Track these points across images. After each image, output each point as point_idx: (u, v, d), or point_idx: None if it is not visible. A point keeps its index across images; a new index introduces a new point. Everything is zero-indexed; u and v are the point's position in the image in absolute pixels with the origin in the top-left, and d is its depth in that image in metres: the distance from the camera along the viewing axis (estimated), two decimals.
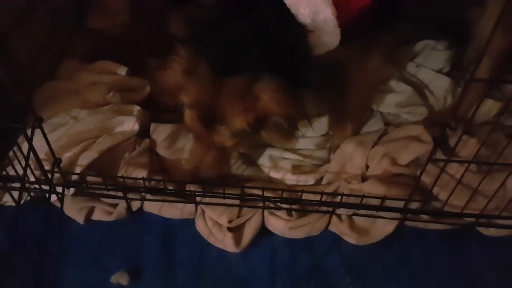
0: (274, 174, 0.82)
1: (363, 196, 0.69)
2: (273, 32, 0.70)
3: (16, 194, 0.74)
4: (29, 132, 0.62)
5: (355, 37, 0.76)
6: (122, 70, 0.92)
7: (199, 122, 0.68)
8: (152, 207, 0.78)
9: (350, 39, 0.75)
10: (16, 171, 0.68)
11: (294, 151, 0.85)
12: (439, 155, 0.79)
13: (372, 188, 0.74)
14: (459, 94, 0.94)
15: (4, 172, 0.74)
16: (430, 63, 0.98)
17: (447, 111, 0.93)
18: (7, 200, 0.78)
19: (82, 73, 0.90)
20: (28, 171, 0.67)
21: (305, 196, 0.72)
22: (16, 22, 0.85)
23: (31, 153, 0.62)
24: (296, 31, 0.70)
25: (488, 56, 0.85)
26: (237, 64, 0.67)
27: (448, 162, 0.65)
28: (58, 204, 0.75)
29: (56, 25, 0.99)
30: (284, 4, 0.69)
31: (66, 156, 0.74)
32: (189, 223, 0.79)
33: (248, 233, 0.75)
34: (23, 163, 0.67)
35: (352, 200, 0.72)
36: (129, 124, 0.82)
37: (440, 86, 0.95)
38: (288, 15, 0.69)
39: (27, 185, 0.69)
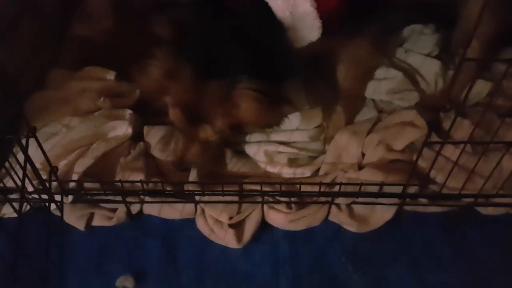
0: (270, 169, 0.82)
1: (361, 184, 0.70)
2: (252, 28, 0.70)
3: (15, 205, 0.75)
4: (23, 142, 0.61)
5: (341, 26, 0.77)
6: (111, 75, 0.91)
7: (183, 120, 0.69)
8: (151, 209, 0.78)
9: (335, 28, 0.76)
10: (14, 182, 0.67)
11: (289, 144, 0.85)
12: (434, 138, 0.79)
13: (370, 175, 0.74)
14: (451, 76, 0.95)
15: (0, 183, 0.74)
16: (419, 48, 0.98)
17: (439, 94, 0.94)
18: (6, 212, 0.78)
19: (70, 81, 0.90)
20: (26, 181, 0.67)
21: (304, 188, 0.73)
22: (1, 33, 0.85)
23: (28, 163, 0.62)
24: (275, 26, 0.70)
25: (477, 39, 0.85)
26: (219, 65, 0.68)
27: (444, 144, 0.65)
28: (57, 213, 0.75)
29: (41, 34, 0.99)
30: None
31: (62, 164, 0.73)
32: (190, 223, 0.79)
33: (249, 229, 0.75)
34: (19, 173, 0.68)
35: (350, 189, 0.72)
36: (122, 129, 0.82)
37: (430, 70, 0.95)
38: (266, 10, 0.69)
39: (26, 195, 0.69)
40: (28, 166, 0.64)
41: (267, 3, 0.69)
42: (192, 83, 0.68)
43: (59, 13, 1.08)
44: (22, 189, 0.58)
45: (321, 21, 0.71)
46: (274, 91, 0.72)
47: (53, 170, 0.67)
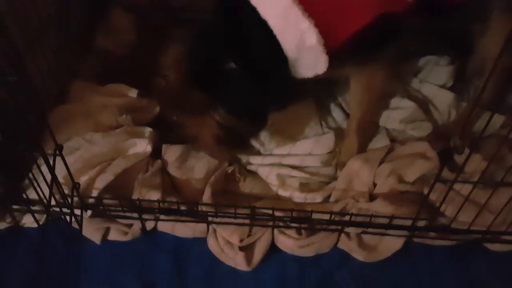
0: (282, 193, 0.84)
1: (371, 216, 0.71)
2: (256, 57, 0.72)
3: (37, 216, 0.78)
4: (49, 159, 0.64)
5: (357, 53, 0.78)
6: (133, 93, 0.94)
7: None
8: (165, 226, 0.81)
9: (351, 55, 0.78)
10: (38, 194, 0.70)
11: (301, 169, 0.87)
12: (445, 172, 0.80)
13: (380, 207, 0.76)
14: (463, 107, 0.96)
15: (22, 193, 0.77)
16: (433, 78, 1.00)
17: (451, 125, 0.95)
18: (26, 221, 0.81)
19: (93, 96, 0.93)
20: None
21: (314, 215, 0.74)
22: (28, 45, 0.88)
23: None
24: (280, 58, 0.71)
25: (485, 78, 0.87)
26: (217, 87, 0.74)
27: (455, 182, 0.66)
28: (75, 225, 0.78)
29: (66, 46, 1.02)
30: (270, 31, 0.70)
31: (83, 180, 0.76)
32: (201, 241, 0.81)
33: (259, 252, 0.77)
34: (42, 184, 0.71)
35: (360, 218, 0.74)
36: (142, 146, 0.85)
37: (443, 101, 0.97)
38: (273, 42, 0.70)
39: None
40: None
41: (275, 36, 0.70)
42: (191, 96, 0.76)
43: (84, 26, 1.12)
44: (48, 205, 0.61)
45: (328, 55, 0.70)
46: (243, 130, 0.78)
47: (75, 186, 0.70)
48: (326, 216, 0.74)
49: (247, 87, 0.75)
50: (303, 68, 0.73)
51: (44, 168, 0.69)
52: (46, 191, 0.70)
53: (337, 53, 0.73)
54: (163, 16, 1.21)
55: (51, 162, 0.64)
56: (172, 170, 0.85)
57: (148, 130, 0.88)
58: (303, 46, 0.70)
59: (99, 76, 1.04)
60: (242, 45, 0.72)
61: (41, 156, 0.64)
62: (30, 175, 0.72)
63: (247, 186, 0.87)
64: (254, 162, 0.90)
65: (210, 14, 0.81)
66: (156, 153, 0.88)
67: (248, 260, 0.76)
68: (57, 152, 0.62)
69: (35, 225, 0.80)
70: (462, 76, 1.01)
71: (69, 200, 0.71)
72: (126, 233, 0.80)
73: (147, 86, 0.96)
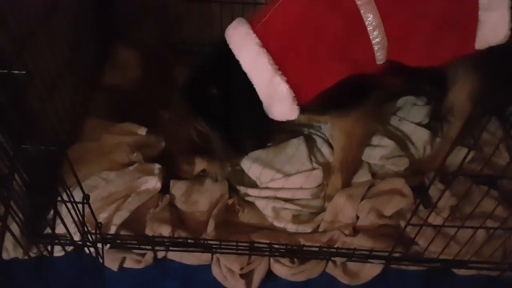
0: (277, 224, 0.96)
1: (354, 249, 0.83)
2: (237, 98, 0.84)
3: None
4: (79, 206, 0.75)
5: (336, 102, 0.87)
6: (143, 131, 1.04)
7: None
8: (174, 255, 0.92)
9: (331, 104, 0.87)
10: (67, 229, 0.80)
11: (293, 201, 0.99)
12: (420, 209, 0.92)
13: (362, 241, 0.88)
14: (437, 147, 1.08)
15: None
16: (411, 117, 1.12)
17: (426, 161, 1.07)
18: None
19: (106, 135, 1.03)
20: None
21: (306, 247, 0.86)
22: (48, 88, 0.96)
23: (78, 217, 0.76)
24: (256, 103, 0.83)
25: (458, 120, 1.00)
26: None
27: (423, 226, 0.79)
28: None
29: (77, 86, 1.11)
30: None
31: (102, 217, 0.87)
32: (206, 268, 0.92)
33: (257, 278, 0.88)
34: (65, 218, 0.81)
35: (345, 249, 0.86)
36: (152, 183, 0.96)
37: (420, 138, 1.09)
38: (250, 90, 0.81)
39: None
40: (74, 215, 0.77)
41: (252, 85, 0.81)
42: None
43: (92, 65, 1.20)
44: (83, 245, 0.71)
45: (299, 104, 0.80)
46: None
47: (97, 225, 0.80)
48: (316, 247, 0.86)
49: (225, 111, 0.86)
50: (276, 113, 0.84)
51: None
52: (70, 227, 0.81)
53: (317, 102, 0.83)
54: (166, 50, 1.31)
55: (80, 209, 0.74)
56: (179, 204, 0.97)
57: (157, 167, 0.99)
58: (275, 96, 0.80)
59: (109, 111, 1.14)
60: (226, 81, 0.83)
61: (71, 206, 0.74)
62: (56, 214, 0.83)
63: (245, 217, 0.98)
64: (252, 194, 1.01)
65: (206, 46, 0.92)
66: (164, 188, 0.99)
67: (248, 285, 0.87)
68: (85, 201, 0.73)
69: (62, 253, 0.90)
70: (437, 114, 1.13)
71: (93, 237, 0.81)
72: (140, 262, 0.91)
73: (153, 118, 1.08)
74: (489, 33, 0.76)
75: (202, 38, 1.20)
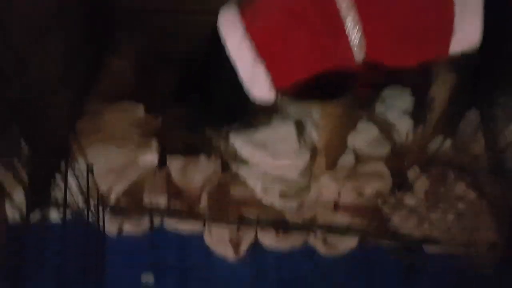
0: (265, 200, 1.04)
1: (333, 225, 0.92)
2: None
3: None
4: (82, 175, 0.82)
5: (318, 90, 0.93)
6: (140, 108, 1.11)
7: None
8: (170, 224, 1.00)
9: (313, 91, 0.94)
10: (72, 197, 0.87)
11: (281, 179, 1.06)
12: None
13: (341, 218, 0.96)
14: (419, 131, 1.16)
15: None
16: (396, 105, 1.18)
17: (407, 146, 1.15)
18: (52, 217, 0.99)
19: (107, 112, 1.09)
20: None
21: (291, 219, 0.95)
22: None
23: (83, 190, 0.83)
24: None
25: (435, 112, 1.07)
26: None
27: (397, 209, 0.87)
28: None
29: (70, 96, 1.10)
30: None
31: (103, 187, 0.94)
32: (199, 235, 1.00)
33: (245, 244, 0.97)
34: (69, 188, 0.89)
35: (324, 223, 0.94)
36: (150, 157, 1.03)
37: (403, 125, 1.15)
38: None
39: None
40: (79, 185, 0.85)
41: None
42: None
43: (88, 77, 1.20)
44: (87, 217, 0.79)
45: (278, 89, 0.87)
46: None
47: (99, 193, 0.88)
48: (299, 222, 0.94)
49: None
50: (256, 96, 0.90)
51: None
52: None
53: (300, 88, 0.90)
54: (157, 59, 1.34)
55: (85, 177, 0.81)
56: (175, 178, 1.04)
57: (154, 142, 1.06)
58: (255, 80, 0.87)
59: None
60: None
61: (74, 175, 0.81)
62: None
63: (237, 192, 1.06)
64: (243, 171, 1.09)
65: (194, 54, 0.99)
66: (161, 161, 1.06)
67: (236, 251, 0.96)
68: (89, 170, 0.80)
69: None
70: (422, 103, 1.20)
71: (95, 203, 0.89)
72: (137, 227, 0.99)
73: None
74: (462, 39, 0.82)
75: (191, 48, 1.23)
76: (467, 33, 0.81)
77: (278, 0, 0.87)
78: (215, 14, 0.89)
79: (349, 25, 0.81)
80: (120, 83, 1.19)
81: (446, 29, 0.81)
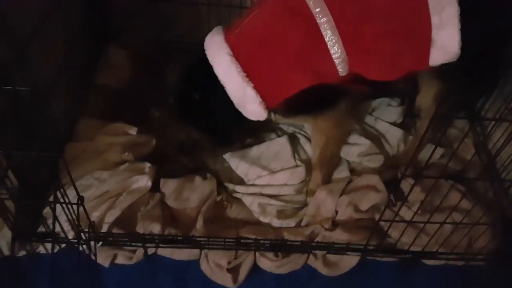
0: (262, 219, 1.02)
1: (333, 243, 0.90)
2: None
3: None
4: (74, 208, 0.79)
5: (307, 105, 0.95)
6: (133, 131, 1.08)
7: None
8: (165, 252, 0.96)
9: (303, 107, 0.94)
10: (62, 229, 0.84)
11: (278, 197, 1.05)
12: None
13: (340, 235, 0.95)
14: (409, 144, 1.16)
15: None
16: (386, 117, 1.19)
17: (399, 157, 1.15)
18: (42, 249, 0.95)
19: (99, 135, 1.06)
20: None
21: (289, 241, 0.92)
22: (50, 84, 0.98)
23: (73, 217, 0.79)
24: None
25: (426, 119, 1.07)
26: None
27: (394, 222, 0.86)
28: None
29: (74, 87, 1.13)
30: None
31: (95, 216, 0.91)
32: (195, 263, 0.97)
33: (244, 272, 0.94)
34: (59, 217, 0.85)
35: (324, 244, 0.93)
36: (143, 182, 0.99)
37: (394, 136, 1.16)
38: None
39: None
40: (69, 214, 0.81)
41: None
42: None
43: (85, 66, 1.23)
44: (78, 242, 0.75)
45: (268, 108, 0.88)
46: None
47: (91, 224, 0.84)
48: (298, 242, 0.92)
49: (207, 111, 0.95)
50: (248, 114, 0.91)
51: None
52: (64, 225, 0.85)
53: (291, 105, 0.91)
54: (156, 50, 1.34)
55: (75, 210, 0.78)
56: (170, 201, 1.01)
57: (147, 165, 1.03)
58: (245, 99, 0.88)
59: (101, 110, 1.16)
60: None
61: (66, 207, 0.78)
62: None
63: (233, 212, 1.04)
64: (239, 191, 1.07)
65: (192, 50, 0.98)
66: (155, 186, 1.03)
67: (235, 279, 0.93)
68: (79, 202, 0.77)
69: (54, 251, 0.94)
70: (411, 112, 1.21)
71: (86, 235, 0.85)
72: (131, 258, 0.95)
73: (144, 116, 1.12)
74: (441, 51, 0.82)
75: (191, 38, 1.23)
76: (445, 45, 0.81)
77: (260, 21, 0.88)
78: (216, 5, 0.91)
79: (330, 41, 0.81)
80: (118, 74, 1.19)
81: (424, 40, 0.82)
